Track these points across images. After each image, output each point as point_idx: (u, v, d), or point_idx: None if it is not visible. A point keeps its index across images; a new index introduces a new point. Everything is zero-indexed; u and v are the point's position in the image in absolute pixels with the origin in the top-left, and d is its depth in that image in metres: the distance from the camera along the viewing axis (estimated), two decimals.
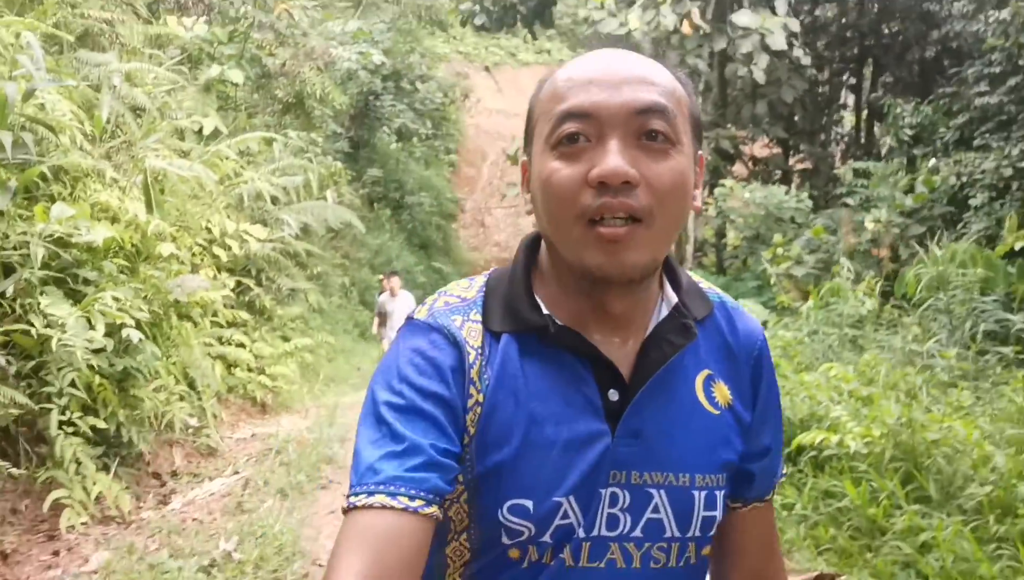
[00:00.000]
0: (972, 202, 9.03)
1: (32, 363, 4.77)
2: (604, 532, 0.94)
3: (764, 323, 8.49)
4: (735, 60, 13.66)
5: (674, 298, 1.01)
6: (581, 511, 0.92)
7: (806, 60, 14.31)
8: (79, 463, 4.70)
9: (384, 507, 0.82)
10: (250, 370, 8.65)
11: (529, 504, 0.91)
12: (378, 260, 18.38)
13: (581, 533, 0.93)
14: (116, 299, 5.14)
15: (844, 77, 20.92)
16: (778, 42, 13.06)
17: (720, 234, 16.27)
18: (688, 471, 0.96)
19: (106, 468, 4.99)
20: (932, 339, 5.50)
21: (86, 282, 5.32)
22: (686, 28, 12.88)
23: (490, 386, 0.93)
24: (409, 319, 0.98)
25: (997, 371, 5.27)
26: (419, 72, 22.83)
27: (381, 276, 13.16)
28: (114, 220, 6.04)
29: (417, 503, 0.83)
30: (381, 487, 0.83)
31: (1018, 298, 6.10)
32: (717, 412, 1.00)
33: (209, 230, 8.31)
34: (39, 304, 4.79)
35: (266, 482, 5.30)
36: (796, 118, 19.10)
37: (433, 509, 0.84)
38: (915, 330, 5.76)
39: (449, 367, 0.92)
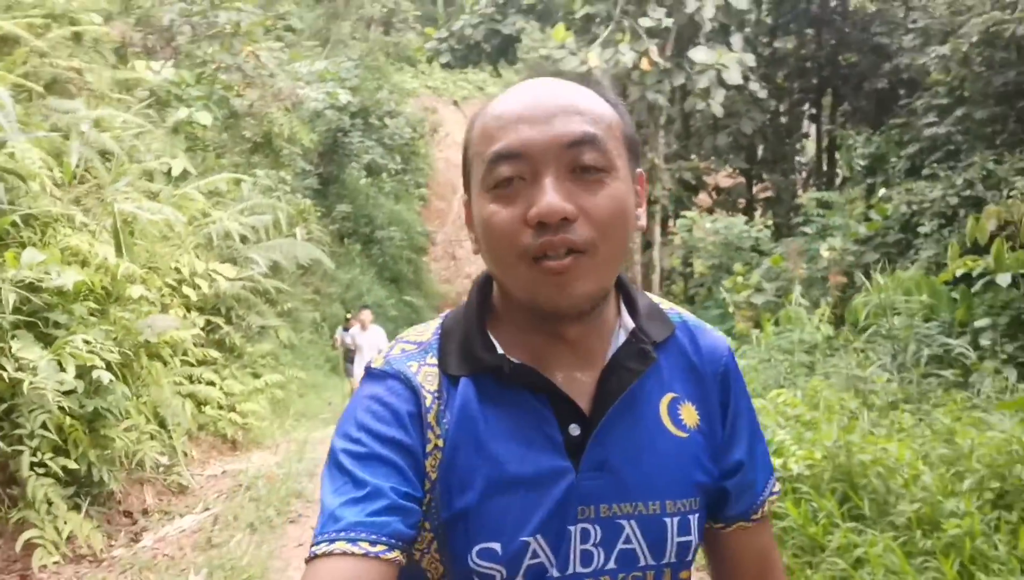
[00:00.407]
0: (921, 230, 9.37)
1: (3, 406, 4.88)
2: (579, 569, 0.93)
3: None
4: (694, 95, 14.06)
5: (631, 324, 1.00)
6: (551, 550, 0.91)
7: (762, 94, 14.77)
8: (50, 503, 4.80)
9: (345, 554, 0.82)
10: (220, 407, 8.74)
11: (497, 547, 0.90)
12: (349, 294, 18.51)
13: (555, 573, 0.92)
14: (87, 342, 5.27)
15: (805, 107, 21.48)
16: (734, 77, 13.50)
17: (687, 262, 16.57)
18: (658, 498, 0.96)
19: (77, 507, 5.08)
20: (875, 364, 5.76)
21: (57, 325, 5.44)
22: (645, 65, 13.27)
23: (450, 431, 0.92)
24: (367, 369, 0.99)
25: (939, 394, 5.52)
26: (387, 108, 23.10)
27: (349, 315, 13.25)
28: (84, 264, 6.17)
29: (379, 548, 0.82)
30: (342, 534, 0.83)
31: (955, 323, 6.40)
32: (685, 435, 0.99)
33: (179, 270, 8.44)
34: (10, 348, 4.91)
35: (236, 517, 5.41)
36: (759, 148, 19.58)
37: (395, 554, 0.84)
38: (859, 356, 6.02)
39: (407, 413, 0.92)
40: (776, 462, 4.29)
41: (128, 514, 5.61)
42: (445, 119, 30.51)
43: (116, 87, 9.91)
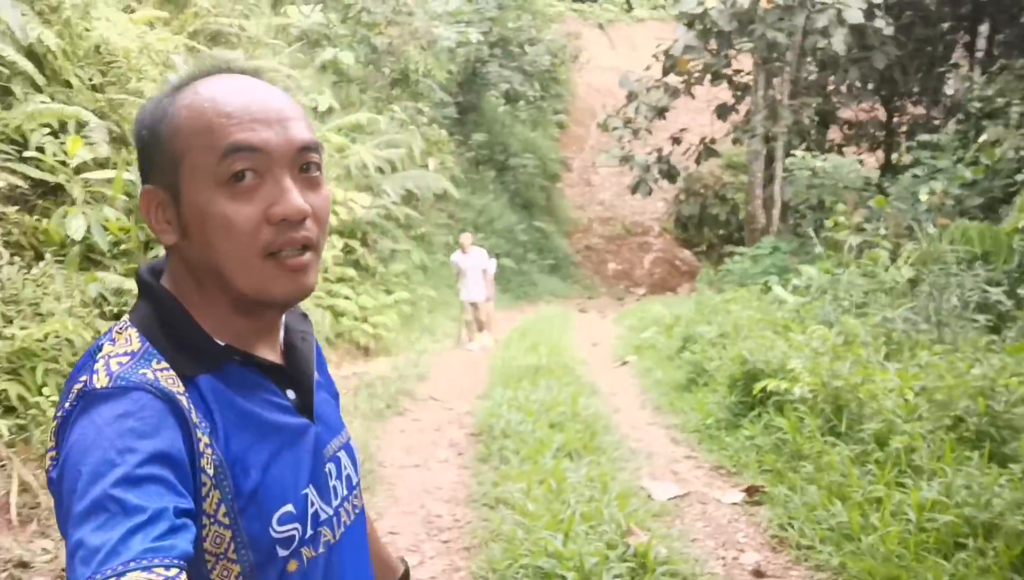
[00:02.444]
0: (1018, 177, 9.47)
1: None
2: (335, 504, 1.06)
3: (808, 288, 9.30)
4: (814, 33, 14.11)
5: None
6: (319, 495, 1.02)
7: (888, 31, 14.55)
8: None
9: None
10: (355, 319, 10.12)
11: (291, 507, 0.97)
12: (481, 220, 19.67)
13: (329, 511, 1.04)
14: None
15: (958, 35, 20.50)
16: (854, 16, 13.45)
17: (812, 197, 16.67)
18: (342, 429, 1.14)
19: None
20: (904, 307, 6.33)
21: None
22: (764, 3, 13.44)
23: (217, 424, 0.94)
24: (89, 394, 0.89)
25: (970, 337, 6.05)
26: (527, 36, 23.75)
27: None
28: None
29: (172, 572, 0.76)
30: (132, 563, 0.74)
31: (997, 270, 6.80)
32: (322, 379, 1.15)
33: None
34: None
35: (356, 407, 6.67)
36: (905, 79, 18.99)
37: (184, 576, 0.78)
38: (909, 299, 6.58)
39: (165, 422, 0.87)
40: (782, 386, 5.11)
41: None
42: (589, 42, 30.66)
43: (271, 32, 11.22)
